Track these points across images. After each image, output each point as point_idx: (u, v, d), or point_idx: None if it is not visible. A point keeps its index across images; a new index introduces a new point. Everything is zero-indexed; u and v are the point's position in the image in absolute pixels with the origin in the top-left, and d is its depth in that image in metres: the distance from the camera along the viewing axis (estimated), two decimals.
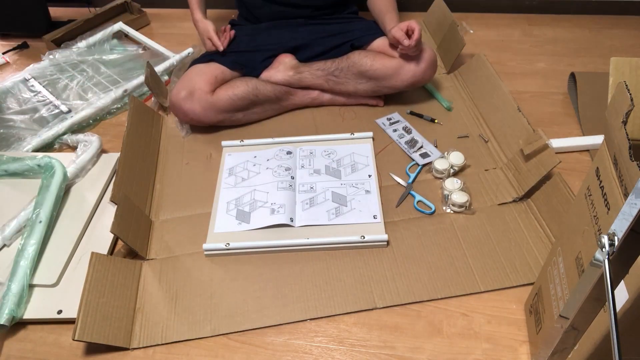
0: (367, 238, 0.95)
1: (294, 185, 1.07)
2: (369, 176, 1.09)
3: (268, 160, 1.14)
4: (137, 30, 1.65)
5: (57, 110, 1.30)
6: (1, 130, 1.26)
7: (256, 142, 1.19)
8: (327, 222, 1.00)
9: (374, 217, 1.00)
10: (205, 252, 0.96)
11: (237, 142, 1.19)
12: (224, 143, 1.19)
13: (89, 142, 1.19)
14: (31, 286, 0.91)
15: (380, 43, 1.24)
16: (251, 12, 1.33)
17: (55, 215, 1.02)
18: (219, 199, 1.06)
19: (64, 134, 1.25)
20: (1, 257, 0.97)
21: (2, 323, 0.83)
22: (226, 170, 1.13)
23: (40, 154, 1.10)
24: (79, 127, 1.29)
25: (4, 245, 0.99)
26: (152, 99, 1.34)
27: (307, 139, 1.19)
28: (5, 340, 0.86)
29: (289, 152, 1.15)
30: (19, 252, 0.93)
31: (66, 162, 1.11)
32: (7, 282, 0.89)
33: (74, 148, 1.23)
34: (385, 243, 0.96)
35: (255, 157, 1.16)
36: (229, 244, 0.96)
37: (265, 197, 1.05)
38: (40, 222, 0.97)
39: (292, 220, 1.00)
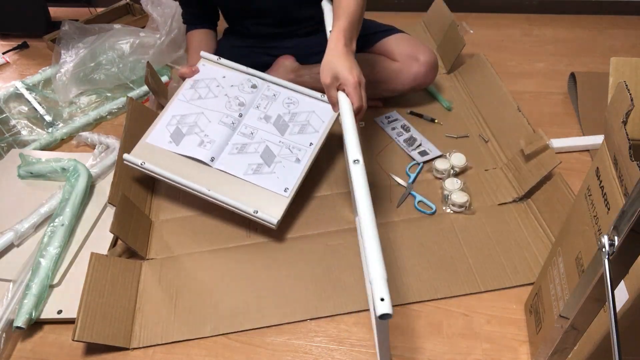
0: (259, 214, 0.94)
1: (236, 124, 1.04)
2: (310, 144, 1.03)
3: (232, 86, 1.10)
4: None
5: (35, 132, 1.29)
6: None
7: (232, 65, 1.13)
8: (242, 175, 0.99)
9: (285, 189, 0.98)
10: (125, 162, 1.00)
11: (215, 58, 1.14)
12: (203, 54, 1.15)
13: (109, 145, 1.21)
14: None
15: (380, 46, 1.24)
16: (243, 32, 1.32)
17: (76, 218, 1.03)
18: (168, 109, 1.07)
19: (62, 138, 1.27)
20: (11, 256, 0.98)
21: (19, 325, 0.83)
22: (191, 81, 1.10)
23: (65, 157, 1.11)
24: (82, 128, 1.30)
25: (14, 246, 0.99)
26: (150, 100, 1.35)
27: (279, 82, 1.12)
28: (5, 340, 0.85)
29: (254, 86, 1.09)
30: (40, 252, 0.93)
31: (85, 162, 1.12)
32: (27, 282, 0.89)
33: (92, 147, 1.24)
34: (274, 226, 0.94)
35: (224, 77, 1.11)
36: (144, 162, 0.99)
37: (205, 125, 1.04)
38: (63, 225, 0.98)
39: (212, 160, 1.00)
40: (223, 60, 1.14)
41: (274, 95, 1.09)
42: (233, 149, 1.02)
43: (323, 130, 1.04)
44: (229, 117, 1.05)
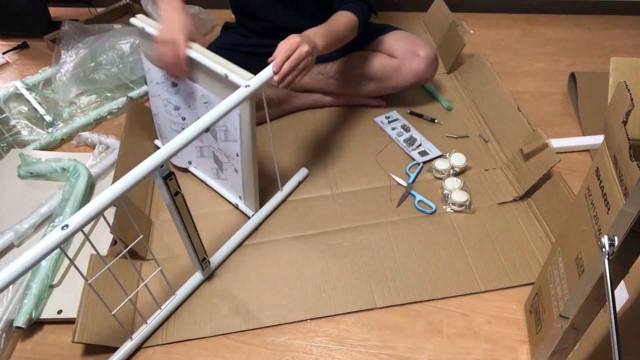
0: (240, 206, 1.05)
1: (186, 128, 0.98)
2: (237, 155, 0.97)
3: (157, 84, 1.02)
4: None
5: (35, 132, 1.29)
6: None
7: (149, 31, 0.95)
8: (211, 179, 1.07)
9: (240, 197, 1.04)
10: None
11: (140, 24, 0.96)
12: (132, 21, 0.97)
13: (109, 145, 1.21)
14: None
15: (378, 43, 1.23)
16: (246, 25, 1.28)
17: None
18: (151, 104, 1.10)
19: (62, 138, 1.27)
20: (11, 257, 0.97)
21: (19, 325, 0.83)
22: (147, 71, 1.04)
23: (65, 157, 1.11)
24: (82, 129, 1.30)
25: (14, 246, 0.99)
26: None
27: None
28: (5, 340, 0.85)
29: (174, 84, 1.00)
30: None
31: (85, 162, 1.13)
32: (27, 282, 0.89)
33: (92, 147, 1.24)
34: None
35: (149, 70, 1.02)
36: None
37: (167, 131, 1.07)
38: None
39: (190, 164, 1.09)
40: (148, 28, 0.94)
41: (193, 92, 0.98)
42: (197, 151, 1.06)
43: (240, 138, 0.95)
44: (177, 124, 1.05)
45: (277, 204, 1.06)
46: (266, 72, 0.86)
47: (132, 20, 0.98)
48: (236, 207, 1.05)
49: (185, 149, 0.96)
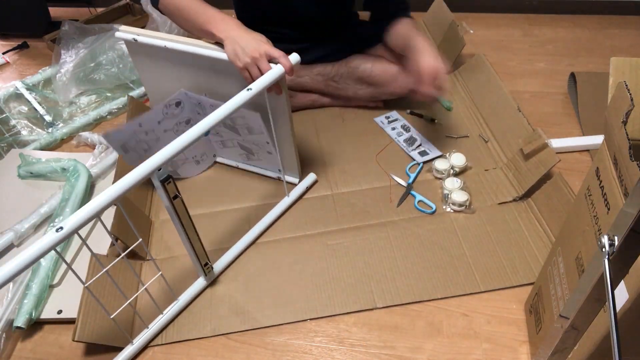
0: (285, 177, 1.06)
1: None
2: (267, 143, 1.01)
3: (159, 123, 0.97)
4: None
5: (35, 132, 1.29)
6: None
7: (150, 42, 0.92)
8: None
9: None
10: None
11: (130, 37, 0.93)
12: (118, 34, 0.95)
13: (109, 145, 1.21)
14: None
15: (381, 48, 1.23)
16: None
17: None
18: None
19: (62, 138, 1.27)
20: (10, 257, 0.97)
21: (19, 325, 0.83)
22: (119, 150, 0.94)
23: (65, 157, 1.12)
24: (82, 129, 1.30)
25: (14, 246, 0.99)
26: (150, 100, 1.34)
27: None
28: (5, 340, 0.85)
29: (178, 104, 0.97)
30: None
31: (85, 162, 1.13)
32: (27, 282, 0.89)
33: (92, 147, 1.24)
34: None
35: (140, 125, 0.94)
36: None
37: (182, 154, 0.96)
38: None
39: (215, 156, 1.14)
40: (142, 38, 0.93)
41: (199, 103, 0.98)
42: (219, 144, 1.09)
43: (265, 131, 0.95)
44: None
45: (283, 209, 1.04)
46: (275, 72, 0.86)
47: (118, 33, 0.96)
48: (279, 179, 1.09)
49: (207, 146, 0.98)
